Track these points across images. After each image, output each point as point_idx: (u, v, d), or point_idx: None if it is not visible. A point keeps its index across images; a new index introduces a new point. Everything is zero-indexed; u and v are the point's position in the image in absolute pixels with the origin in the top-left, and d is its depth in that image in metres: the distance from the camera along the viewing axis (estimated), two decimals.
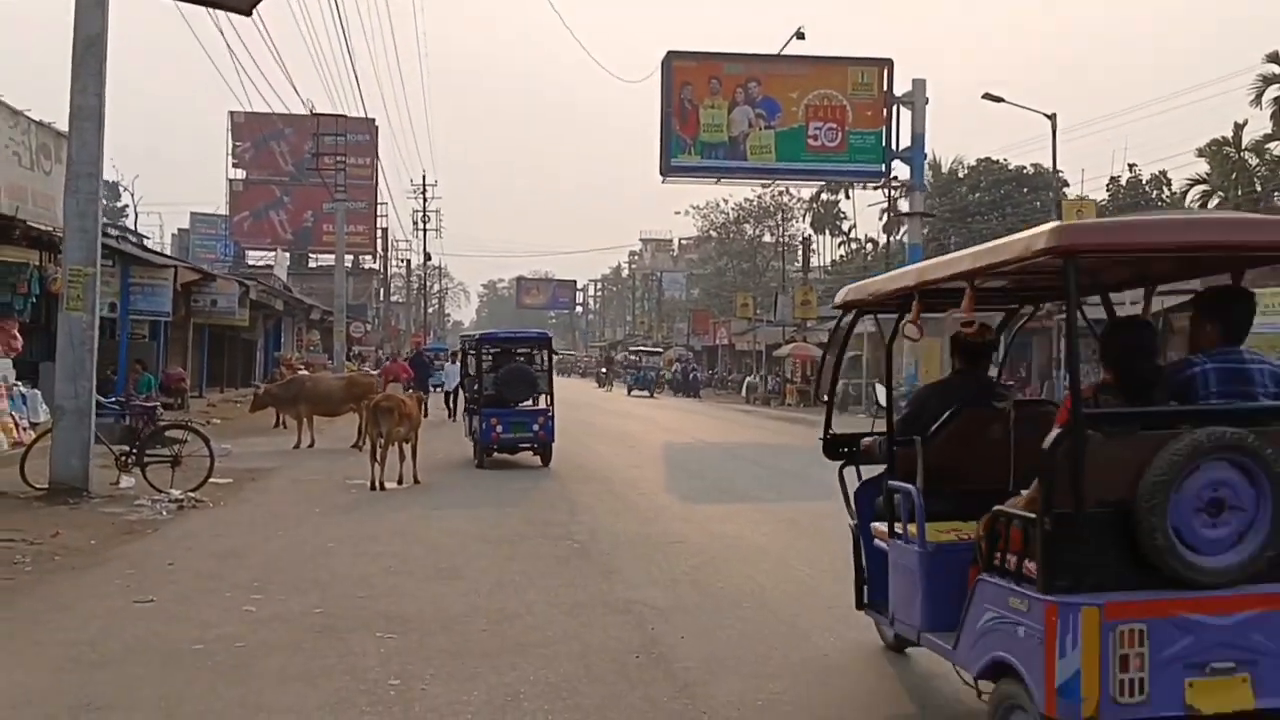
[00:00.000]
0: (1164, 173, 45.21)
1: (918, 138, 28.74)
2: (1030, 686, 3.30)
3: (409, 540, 8.81)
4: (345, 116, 33.60)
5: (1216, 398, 3.58)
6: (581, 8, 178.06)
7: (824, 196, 68.29)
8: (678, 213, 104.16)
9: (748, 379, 44.33)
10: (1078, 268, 3.39)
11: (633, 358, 55.57)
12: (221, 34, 19.72)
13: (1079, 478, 3.27)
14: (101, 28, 10.38)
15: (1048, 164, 48.74)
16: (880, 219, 64.50)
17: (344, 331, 31.54)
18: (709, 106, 28.16)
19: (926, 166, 39.00)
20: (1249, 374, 3.64)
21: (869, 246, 67.22)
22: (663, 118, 28.07)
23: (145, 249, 21.43)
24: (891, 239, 62.02)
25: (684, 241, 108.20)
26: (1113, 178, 46.01)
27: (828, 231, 70.09)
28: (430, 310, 79.99)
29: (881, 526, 4.84)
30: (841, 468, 5.43)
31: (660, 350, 62.04)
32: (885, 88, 28.71)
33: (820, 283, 55.40)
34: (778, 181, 31.98)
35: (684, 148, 28.12)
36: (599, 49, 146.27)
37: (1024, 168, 48.07)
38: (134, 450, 10.77)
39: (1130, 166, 45.63)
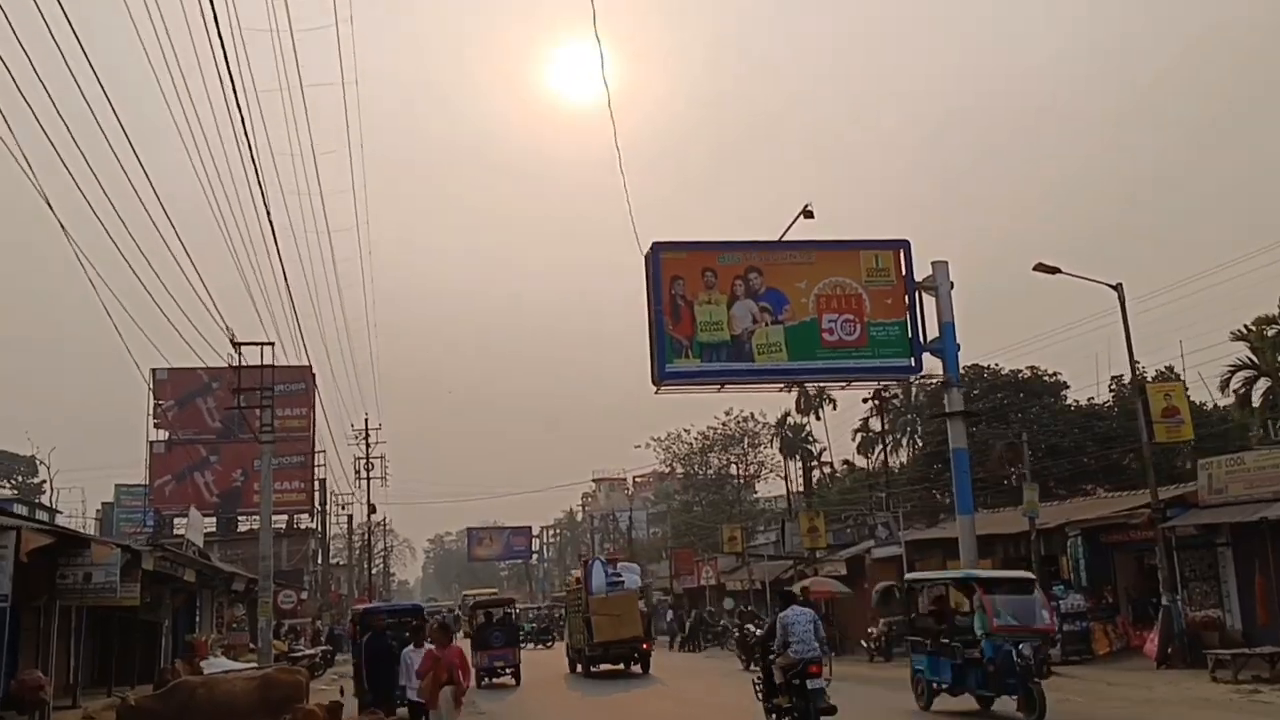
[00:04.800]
0: (1170, 367, 42.06)
1: (946, 326, 24.64)
2: None
3: None
4: (275, 366, 28.70)
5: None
6: (553, 198, 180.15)
7: (790, 420, 64.78)
8: (637, 446, 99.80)
9: (747, 625, 38.31)
10: None
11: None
12: (141, 283, 15.65)
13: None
14: None
15: (1041, 364, 46.21)
16: (853, 439, 61.08)
17: (270, 604, 25.53)
18: (705, 302, 23.91)
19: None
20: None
21: (844, 469, 63.10)
22: (653, 317, 23.69)
23: None
24: (872, 460, 58.13)
25: (638, 479, 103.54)
26: (1114, 377, 42.66)
27: (798, 456, 65.90)
28: (375, 570, 73.06)
29: None
30: None
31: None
32: (904, 272, 24.85)
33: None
34: (795, 384, 27.40)
35: (680, 350, 23.62)
36: (570, 244, 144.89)
37: (1019, 371, 44.62)
38: None
39: (1134, 364, 42.32)
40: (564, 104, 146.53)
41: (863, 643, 28.60)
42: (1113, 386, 42.72)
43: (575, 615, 28.36)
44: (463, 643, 18.25)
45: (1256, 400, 31.12)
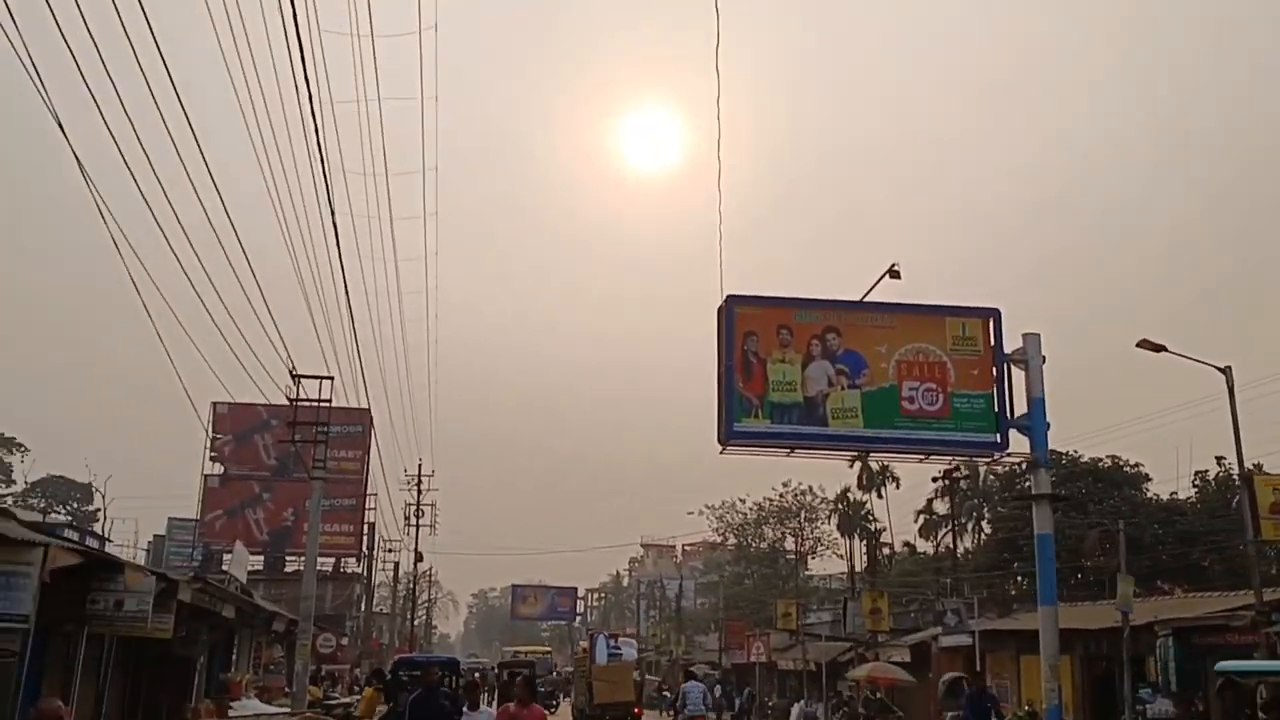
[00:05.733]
0: (1259, 465, 39.89)
1: (1036, 403, 23.07)
2: None
3: None
4: (332, 405, 28.19)
5: None
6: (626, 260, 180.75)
7: (850, 496, 62.88)
8: (690, 513, 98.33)
9: (796, 706, 36.45)
10: None
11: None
12: (208, 313, 15.35)
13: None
14: None
15: (1124, 455, 44.17)
16: (915, 520, 58.91)
17: (309, 646, 24.59)
18: (778, 360, 22.62)
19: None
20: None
21: (904, 550, 61.02)
22: (722, 373, 22.45)
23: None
24: (936, 543, 55.96)
25: (688, 547, 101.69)
26: (1198, 472, 40.59)
27: (857, 533, 63.84)
28: (417, 621, 71.98)
29: None
30: None
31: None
32: (992, 342, 23.49)
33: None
34: (870, 453, 26.21)
35: (749, 409, 22.31)
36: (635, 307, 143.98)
37: (1099, 460, 42.70)
38: None
39: (1219, 460, 40.15)
40: (632, 170, 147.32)
41: None
42: (1196, 482, 40.68)
43: (581, 679, 33.05)
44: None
45: None
